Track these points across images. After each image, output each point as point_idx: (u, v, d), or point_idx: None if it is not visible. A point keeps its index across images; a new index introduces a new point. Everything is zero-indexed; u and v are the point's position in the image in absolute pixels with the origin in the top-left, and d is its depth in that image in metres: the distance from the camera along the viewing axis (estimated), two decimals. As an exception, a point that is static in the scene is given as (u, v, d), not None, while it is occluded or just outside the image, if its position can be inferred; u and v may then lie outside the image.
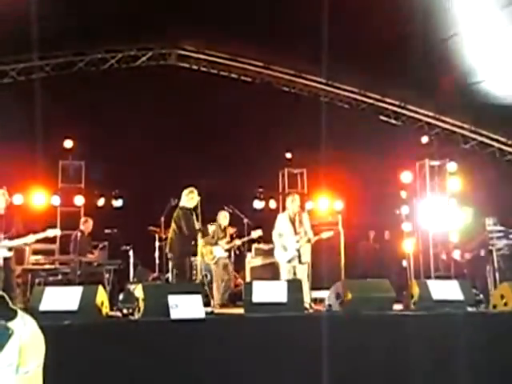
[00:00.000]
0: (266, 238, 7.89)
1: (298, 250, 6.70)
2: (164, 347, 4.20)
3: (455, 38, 8.24)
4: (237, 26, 8.88)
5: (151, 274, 8.54)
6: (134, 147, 9.61)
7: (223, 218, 8.37)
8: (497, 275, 7.45)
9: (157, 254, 8.48)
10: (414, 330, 4.68)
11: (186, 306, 4.41)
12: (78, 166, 9.94)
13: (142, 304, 4.68)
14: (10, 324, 1.52)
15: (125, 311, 5.44)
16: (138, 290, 4.91)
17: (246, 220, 8.61)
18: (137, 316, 4.76)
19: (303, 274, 6.71)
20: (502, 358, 4.82)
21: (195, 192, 7.20)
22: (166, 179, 9.15)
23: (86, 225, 8.46)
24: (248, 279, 8.67)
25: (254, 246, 9.18)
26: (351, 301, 5.05)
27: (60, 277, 8.00)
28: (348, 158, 9.84)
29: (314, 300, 7.28)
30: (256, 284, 5.18)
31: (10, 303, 1.57)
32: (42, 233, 6.35)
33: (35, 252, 8.32)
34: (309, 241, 6.79)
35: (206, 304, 5.38)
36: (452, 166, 10.63)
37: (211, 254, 8.15)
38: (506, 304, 5.35)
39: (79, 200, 9.79)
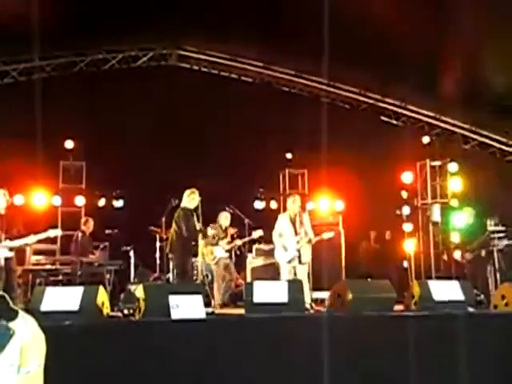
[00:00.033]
0: (267, 239, 7.89)
1: (299, 251, 6.70)
2: (165, 347, 4.20)
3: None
4: (237, 27, 8.89)
5: (152, 275, 8.54)
6: (134, 148, 9.62)
7: (224, 218, 8.37)
8: (498, 275, 7.45)
9: (157, 254, 8.48)
10: (415, 331, 4.68)
11: (186, 307, 4.41)
12: (78, 167, 9.94)
13: (142, 304, 4.68)
14: (12, 324, 1.53)
15: (125, 311, 5.45)
16: (139, 291, 4.91)
17: (246, 220, 8.60)
18: (137, 316, 4.76)
19: (303, 274, 6.70)
20: (503, 358, 4.82)
21: (196, 193, 7.21)
22: (167, 179, 9.15)
23: (87, 225, 8.46)
24: (249, 279, 8.67)
25: (255, 246, 9.18)
26: (352, 301, 5.04)
27: (61, 277, 8.01)
28: (349, 158, 9.83)
29: (315, 300, 7.29)
30: (257, 284, 5.18)
31: (11, 303, 1.57)
32: (43, 233, 6.35)
33: (36, 252, 8.32)
34: (309, 241, 6.79)
35: (207, 304, 5.38)
36: (453, 166, 10.62)
37: (212, 254, 8.15)
38: (506, 304, 5.35)
39: (80, 200, 9.79)
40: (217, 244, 8.19)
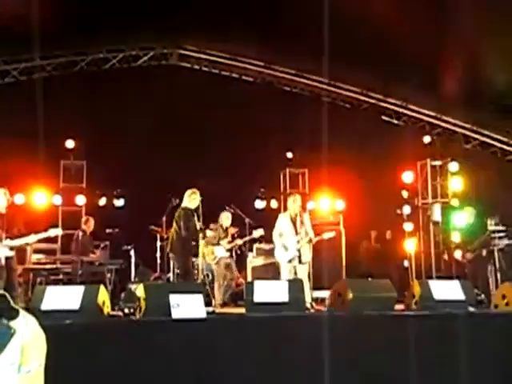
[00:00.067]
0: (268, 238, 7.88)
1: (299, 250, 6.70)
2: (165, 347, 4.20)
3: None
4: (238, 26, 8.88)
5: (153, 274, 8.54)
6: (135, 147, 9.62)
7: (225, 218, 8.37)
8: (498, 275, 7.45)
9: (158, 253, 8.49)
10: (416, 330, 4.68)
11: (187, 306, 4.41)
12: (79, 166, 9.94)
13: (143, 303, 4.68)
14: (12, 323, 1.53)
15: (126, 311, 5.45)
16: (140, 290, 4.92)
17: (247, 220, 8.60)
18: (138, 315, 4.76)
19: (304, 273, 6.70)
20: (504, 357, 4.82)
21: (197, 193, 7.20)
22: (168, 179, 9.15)
23: (88, 224, 8.47)
24: (249, 279, 8.67)
25: (256, 245, 9.18)
26: (352, 300, 5.04)
27: (61, 276, 8.02)
28: (349, 158, 9.83)
29: (315, 300, 7.28)
30: (257, 284, 5.18)
31: (12, 302, 1.58)
32: (44, 232, 6.36)
33: (37, 251, 8.33)
34: (310, 241, 6.79)
35: (207, 304, 5.38)
36: (454, 165, 10.62)
37: (213, 254, 8.15)
38: (507, 304, 5.35)
39: (81, 200, 9.79)
40: (218, 244, 8.20)
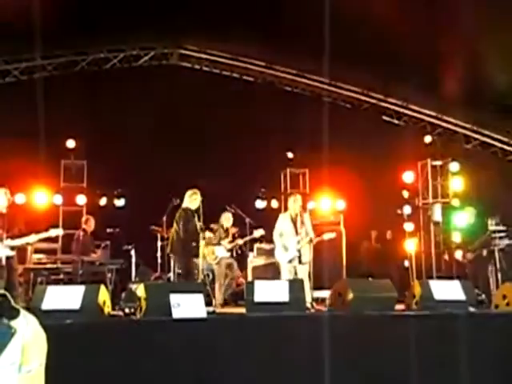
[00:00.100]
0: (268, 238, 7.89)
1: (299, 251, 6.70)
2: (166, 346, 4.21)
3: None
4: (238, 26, 8.87)
5: (153, 274, 8.54)
6: (136, 147, 9.61)
7: (226, 219, 8.37)
8: (499, 275, 7.44)
9: (159, 253, 8.48)
10: (416, 330, 4.68)
11: (187, 306, 4.42)
12: (80, 166, 9.94)
13: (143, 303, 4.69)
14: (13, 323, 1.53)
15: (127, 310, 5.46)
16: (140, 290, 4.92)
17: (247, 220, 8.60)
18: (139, 315, 4.76)
19: (304, 273, 6.70)
20: (504, 357, 4.82)
21: (198, 193, 7.20)
22: (168, 179, 9.15)
23: (88, 223, 8.48)
24: (250, 279, 8.67)
25: (256, 245, 9.17)
26: (353, 300, 5.05)
27: (62, 276, 8.01)
28: (350, 158, 9.83)
29: (316, 299, 7.28)
30: (258, 283, 5.18)
31: (13, 302, 1.58)
32: (45, 233, 6.36)
33: (37, 251, 8.32)
34: (310, 241, 6.79)
35: (208, 303, 5.38)
36: (454, 165, 10.61)
37: (213, 254, 8.15)
38: (508, 304, 5.35)
39: (81, 199, 9.79)
40: (219, 244, 8.20)
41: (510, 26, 7.80)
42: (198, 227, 7.09)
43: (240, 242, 8.41)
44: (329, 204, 10.87)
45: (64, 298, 4.49)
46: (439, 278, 9.28)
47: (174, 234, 7.12)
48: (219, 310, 6.81)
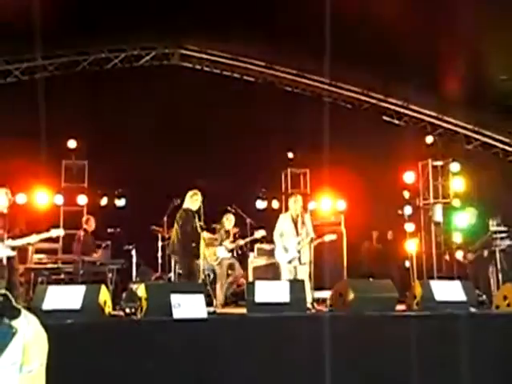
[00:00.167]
0: (269, 238, 7.89)
1: (299, 251, 6.70)
2: (166, 347, 4.21)
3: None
4: (239, 26, 8.88)
5: (154, 274, 8.54)
6: (137, 147, 9.62)
7: (228, 221, 8.36)
8: (500, 276, 7.44)
9: (159, 253, 8.49)
10: (417, 331, 4.68)
11: (188, 306, 4.42)
12: (81, 166, 9.95)
13: (144, 303, 4.69)
14: (14, 323, 1.53)
15: (127, 310, 5.47)
16: (141, 290, 4.92)
17: (248, 220, 8.60)
18: (139, 315, 4.77)
19: (304, 274, 6.70)
20: (505, 358, 4.82)
21: (199, 194, 7.20)
22: (169, 179, 9.15)
23: (89, 223, 8.49)
24: (250, 279, 8.67)
25: (257, 246, 9.17)
26: (354, 301, 5.04)
27: (63, 276, 8.02)
28: (351, 158, 9.83)
29: (317, 300, 7.28)
30: (258, 284, 5.18)
31: (14, 302, 1.58)
32: (46, 233, 6.36)
33: (38, 251, 8.33)
34: (311, 241, 6.79)
35: (209, 304, 5.38)
36: (455, 166, 10.61)
37: (215, 255, 8.15)
38: (508, 305, 5.35)
39: (82, 199, 9.80)
40: (220, 244, 8.20)
41: (511, 24, 7.80)
42: (199, 227, 7.09)
43: (241, 242, 8.41)
44: (329, 204, 10.87)
45: (65, 297, 4.49)
46: (440, 278, 9.27)
47: (174, 235, 7.12)
48: (220, 310, 6.82)
